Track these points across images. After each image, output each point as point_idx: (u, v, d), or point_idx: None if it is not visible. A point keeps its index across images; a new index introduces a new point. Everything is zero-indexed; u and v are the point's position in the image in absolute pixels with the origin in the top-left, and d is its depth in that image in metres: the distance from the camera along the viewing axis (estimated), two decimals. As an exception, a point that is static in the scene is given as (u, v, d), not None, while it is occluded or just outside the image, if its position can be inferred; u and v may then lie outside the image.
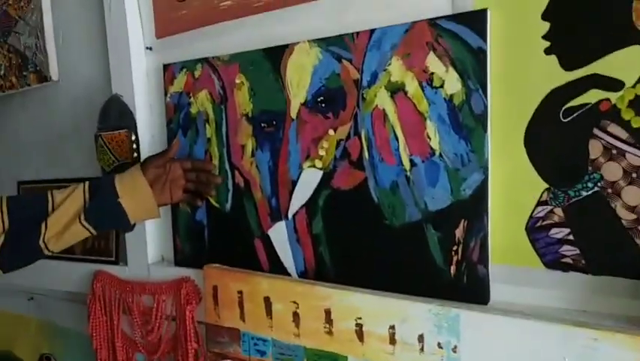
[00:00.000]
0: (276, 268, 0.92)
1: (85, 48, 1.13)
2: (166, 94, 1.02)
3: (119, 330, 1.08)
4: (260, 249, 0.93)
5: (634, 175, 0.63)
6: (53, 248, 0.85)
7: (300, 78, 0.85)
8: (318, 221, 0.86)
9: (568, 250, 0.68)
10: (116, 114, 1.03)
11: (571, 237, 0.68)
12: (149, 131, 1.05)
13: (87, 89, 1.13)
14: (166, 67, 1.02)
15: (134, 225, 0.92)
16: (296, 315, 0.84)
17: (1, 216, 0.81)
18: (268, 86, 0.89)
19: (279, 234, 0.91)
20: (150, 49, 1.05)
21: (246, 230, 0.94)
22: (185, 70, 0.99)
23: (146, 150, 1.04)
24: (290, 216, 0.89)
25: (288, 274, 0.90)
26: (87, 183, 0.88)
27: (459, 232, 0.74)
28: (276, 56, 0.87)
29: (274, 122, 0.89)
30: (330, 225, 0.85)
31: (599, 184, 0.65)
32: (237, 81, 0.93)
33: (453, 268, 0.74)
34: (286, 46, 0.86)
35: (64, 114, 1.17)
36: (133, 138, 1.02)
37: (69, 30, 1.15)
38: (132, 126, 1.03)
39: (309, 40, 0.84)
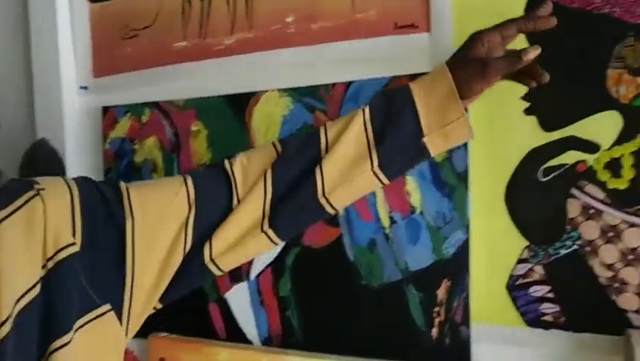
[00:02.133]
0: (235, 335, 0.83)
1: (6, 86, 0.98)
2: (105, 139, 0.91)
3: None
4: (215, 314, 0.84)
5: (610, 234, 0.66)
6: (334, 202, 0.57)
7: (268, 128, 0.80)
8: (285, 282, 0.80)
9: (548, 307, 0.69)
10: (42, 161, 0.90)
11: (551, 294, 0.69)
12: (82, 181, 0.93)
13: (7, 132, 0.98)
14: (105, 109, 0.91)
15: None
16: (262, 389, 0.76)
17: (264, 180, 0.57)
18: (231, 135, 0.82)
19: (238, 297, 0.83)
20: (85, 88, 0.94)
21: (199, 293, 0.84)
22: (129, 114, 0.90)
23: (77, 202, 0.91)
24: (252, 276, 0.82)
25: (249, 342, 0.82)
26: (369, 109, 0.57)
27: (441, 293, 0.71)
28: (241, 103, 0.82)
29: (235, 174, 0.82)
30: (299, 286, 0.79)
31: (577, 243, 0.67)
32: (194, 128, 0.85)
33: (435, 330, 0.72)
34: (252, 94, 0.81)
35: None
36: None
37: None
38: (61, 175, 0.90)
39: (278, 89, 0.79)
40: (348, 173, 0.56)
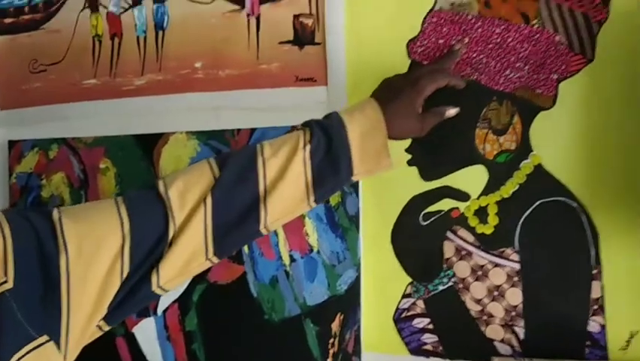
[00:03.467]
0: (141, 368, 0.85)
1: None
2: (11, 174, 0.90)
3: None
4: (123, 349, 0.86)
5: (479, 273, 0.74)
6: (270, 229, 0.62)
7: (175, 168, 0.83)
8: (192, 317, 0.83)
9: (428, 337, 0.77)
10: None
11: (430, 326, 0.77)
12: (-16, 216, 0.91)
13: None
14: (12, 143, 0.90)
15: None
16: (167, 422, 0.79)
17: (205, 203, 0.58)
18: (139, 174, 0.85)
19: (146, 331, 0.85)
20: (-9, 121, 0.93)
21: (107, 327, 0.86)
22: (37, 149, 0.89)
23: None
24: (160, 311, 0.84)
25: (156, 375, 0.84)
26: (307, 139, 0.61)
27: (335, 326, 0.78)
28: (149, 144, 0.84)
29: (144, 211, 0.85)
30: (205, 321, 0.83)
31: (452, 280, 0.76)
32: (102, 166, 0.87)
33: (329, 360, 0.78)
34: (160, 135, 0.84)
35: None
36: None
37: None
38: (-38, 209, 0.88)
39: (186, 132, 0.83)
40: (289, 208, 0.62)
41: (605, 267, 0.70)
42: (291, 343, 0.79)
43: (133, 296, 0.57)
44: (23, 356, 0.51)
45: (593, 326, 0.70)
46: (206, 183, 0.59)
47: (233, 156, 0.61)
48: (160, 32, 0.85)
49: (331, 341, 0.78)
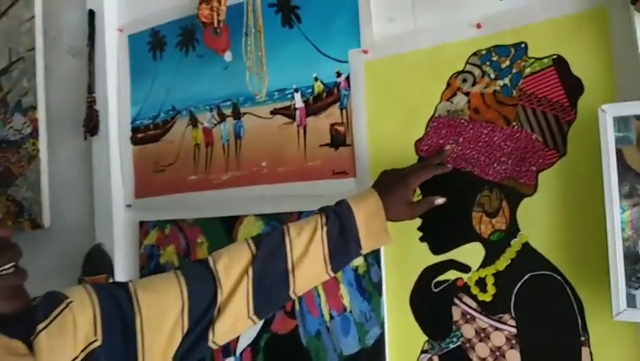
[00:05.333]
0: (224, 398, 1.10)
1: (74, 202, 1.36)
2: (140, 246, 1.25)
3: None
4: (211, 381, 1.12)
5: (482, 335, 0.87)
6: (298, 294, 0.80)
7: (247, 243, 1.10)
8: (260, 358, 1.07)
9: (444, 388, 0.91)
10: (97, 261, 1.24)
11: (445, 379, 0.91)
12: (124, 276, 1.26)
13: (73, 236, 1.35)
14: (142, 223, 1.25)
15: None
16: None
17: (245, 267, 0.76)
18: (222, 247, 1.12)
19: (218, 375, 1.10)
20: (129, 206, 1.29)
21: (202, 364, 1.13)
22: (157, 228, 1.23)
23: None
24: (238, 353, 1.09)
25: (232, 407, 1.09)
26: (323, 222, 0.79)
27: (366, 373, 0.95)
28: (230, 223, 1.12)
29: (227, 275, 1.12)
30: (267, 363, 1.06)
31: (460, 340, 0.89)
32: (199, 240, 1.17)
33: (362, 403, 0.95)
34: (237, 217, 1.12)
35: (51, 257, 1.37)
36: (110, 281, 1.23)
37: (62, 187, 1.39)
38: (110, 271, 1.24)
39: (255, 215, 1.09)
40: (311, 278, 0.80)
41: (592, 334, 0.78)
42: (332, 385, 0.98)
43: (192, 350, 0.71)
44: None
45: (584, 387, 0.79)
46: (246, 259, 0.76)
47: (266, 237, 0.79)
48: (238, 140, 1.14)
49: (363, 386, 0.95)
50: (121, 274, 1.26)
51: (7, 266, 0.58)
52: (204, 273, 0.74)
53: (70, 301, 0.64)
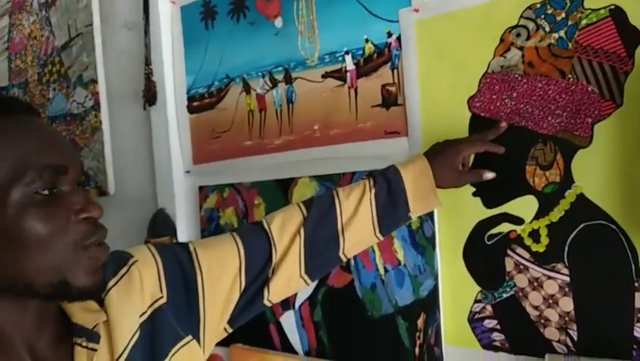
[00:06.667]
0: (287, 347, 1.17)
1: (136, 170, 1.45)
2: (201, 209, 1.32)
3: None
4: (274, 332, 1.20)
5: (535, 284, 0.90)
6: (348, 256, 0.84)
7: (303, 203, 1.15)
8: (318, 311, 1.13)
9: (497, 336, 0.94)
10: (160, 224, 1.33)
11: (498, 326, 0.94)
12: (187, 238, 1.34)
13: (137, 202, 1.43)
14: (201, 188, 1.33)
15: None
16: (302, 386, 1.10)
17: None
18: (279, 208, 1.18)
19: (288, 320, 1.17)
20: (188, 172, 1.36)
21: (263, 317, 1.21)
22: (215, 191, 1.30)
23: (183, 251, 1.32)
24: (297, 306, 1.16)
25: (296, 353, 1.16)
26: (372, 184, 0.82)
27: (420, 322, 1.00)
28: (285, 185, 1.18)
29: (284, 234, 1.18)
30: (327, 314, 1.12)
31: (513, 289, 0.92)
32: (256, 202, 1.23)
33: (417, 350, 1.00)
34: (292, 179, 1.17)
35: (116, 223, 1.46)
36: (174, 242, 1.31)
37: (124, 156, 1.48)
38: (173, 233, 1.32)
39: (309, 176, 1.14)
40: (360, 238, 0.82)
41: (647, 281, 0.80)
42: (388, 334, 1.03)
43: (249, 307, 0.75)
44: (178, 350, 0.66)
45: (639, 331, 0.81)
46: (298, 220, 0.79)
47: (317, 200, 0.82)
48: (290, 105, 1.18)
49: (417, 334, 1.00)
50: (184, 236, 1.34)
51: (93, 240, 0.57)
52: (260, 234, 0.78)
53: (136, 260, 0.67)
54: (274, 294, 0.76)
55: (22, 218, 0.52)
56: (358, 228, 0.81)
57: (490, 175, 0.87)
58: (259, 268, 0.76)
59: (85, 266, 0.56)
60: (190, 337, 0.68)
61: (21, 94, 1.73)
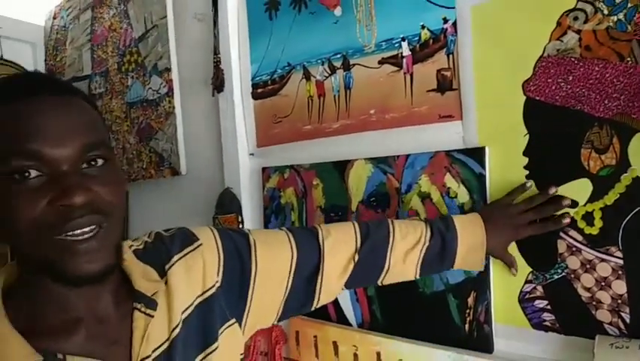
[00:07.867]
0: (341, 319, 1.24)
1: (206, 152, 1.56)
2: (263, 189, 1.41)
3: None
4: (330, 305, 1.27)
5: (587, 266, 0.91)
6: (384, 284, 0.93)
7: (358, 184, 1.21)
8: (372, 288, 1.19)
9: (547, 316, 0.96)
10: (227, 202, 1.43)
11: (549, 307, 0.96)
12: (250, 215, 1.44)
13: (206, 182, 1.55)
14: (264, 169, 1.41)
15: None
16: (356, 356, 1.16)
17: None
18: (336, 188, 1.25)
19: (344, 294, 1.24)
20: (252, 155, 1.45)
21: (320, 290, 1.28)
22: (277, 172, 1.38)
23: (248, 227, 1.42)
24: (352, 282, 1.23)
25: (350, 325, 1.23)
26: (428, 237, 0.89)
27: (470, 300, 1.03)
28: (342, 167, 1.24)
29: (340, 213, 1.25)
30: (379, 290, 1.18)
31: (565, 271, 0.94)
32: (314, 183, 1.30)
33: (467, 326, 1.04)
34: (348, 161, 1.23)
35: (188, 200, 1.59)
36: (240, 219, 1.41)
37: (195, 139, 1.60)
38: (239, 211, 1.43)
39: (364, 158, 1.20)
40: (400, 276, 0.92)
41: None
42: (439, 310, 1.07)
43: (291, 308, 0.81)
44: (224, 330, 0.71)
45: (694, 316, 0.81)
46: (351, 248, 0.86)
47: (373, 232, 0.88)
48: (347, 91, 1.23)
49: (467, 311, 1.04)
50: (248, 213, 1.44)
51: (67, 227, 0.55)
52: (313, 244, 0.83)
53: (201, 244, 0.73)
54: (316, 302, 0.84)
55: (2, 205, 0.53)
56: (402, 270, 0.91)
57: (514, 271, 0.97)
58: (306, 277, 0.82)
59: (70, 252, 0.54)
60: (234, 320, 0.74)
61: (102, 82, 1.90)
